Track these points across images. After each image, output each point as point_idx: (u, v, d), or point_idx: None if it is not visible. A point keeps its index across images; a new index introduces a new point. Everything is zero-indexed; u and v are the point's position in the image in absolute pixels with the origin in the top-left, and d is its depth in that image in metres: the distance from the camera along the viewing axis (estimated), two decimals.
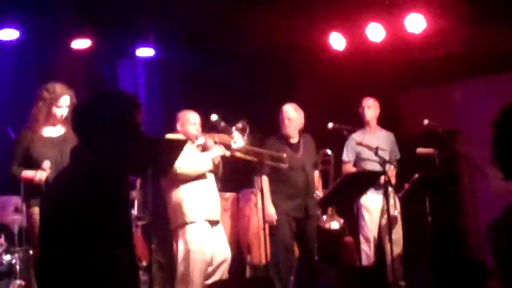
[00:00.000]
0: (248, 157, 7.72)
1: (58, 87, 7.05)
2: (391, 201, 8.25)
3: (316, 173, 8.61)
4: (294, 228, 8.22)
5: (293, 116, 8.38)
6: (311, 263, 8.34)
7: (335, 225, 8.54)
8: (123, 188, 3.49)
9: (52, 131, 7.05)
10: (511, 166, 2.45)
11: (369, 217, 8.80)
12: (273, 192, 8.08)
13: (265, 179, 7.99)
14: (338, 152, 9.04)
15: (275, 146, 8.25)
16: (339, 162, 8.97)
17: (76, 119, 3.54)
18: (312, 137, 8.67)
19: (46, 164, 6.76)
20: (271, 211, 8.01)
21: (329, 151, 8.80)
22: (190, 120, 7.84)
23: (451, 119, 9.76)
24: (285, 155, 8.00)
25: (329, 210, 8.55)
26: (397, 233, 8.50)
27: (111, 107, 3.46)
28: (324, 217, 8.56)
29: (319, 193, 8.51)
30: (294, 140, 8.41)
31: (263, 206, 7.56)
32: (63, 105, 6.98)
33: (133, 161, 3.55)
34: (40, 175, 6.75)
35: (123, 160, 3.47)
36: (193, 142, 7.74)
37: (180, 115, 7.92)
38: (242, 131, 7.45)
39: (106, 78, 11.12)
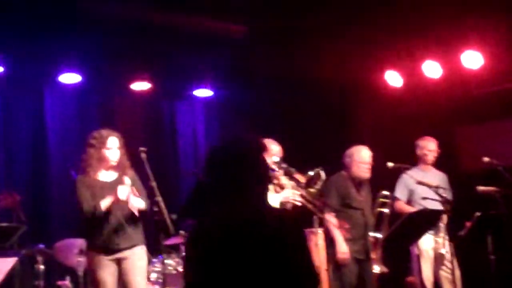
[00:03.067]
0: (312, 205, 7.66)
1: (104, 131, 7.11)
2: (440, 240, 8.25)
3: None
4: (357, 270, 8.14)
5: (368, 160, 8.27)
6: None
7: (377, 269, 8.44)
8: None
9: (106, 176, 7.06)
10: None
11: (425, 257, 8.72)
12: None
13: (333, 217, 7.88)
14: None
15: (343, 184, 8.19)
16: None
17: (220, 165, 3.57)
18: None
19: (127, 180, 6.83)
20: (344, 248, 7.93)
21: (387, 193, 8.72)
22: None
23: (510, 156, 9.65)
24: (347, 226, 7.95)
25: (377, 253, 8.47)
26: (455, 272, 8.43)
27: (250, 153, 3.57)
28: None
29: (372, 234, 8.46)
30: (357, 181, 8.31)
31: (328, 245, 7.51)
32: (112, 146, 7.01)
33: None
34: (122, 189, 6.77)
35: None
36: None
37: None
38: (315, 179, 7.38)
39: (165, 119, 11.30)
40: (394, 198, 8.89)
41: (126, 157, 7.14)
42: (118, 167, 7.09)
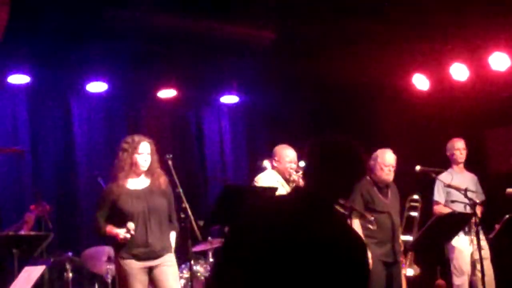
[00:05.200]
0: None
1: (136, 136, 7.14)
2: (482, 243, 8.18)
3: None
4: (385, 273, 8.10)
5: (393, 164, 8.21)
6: None
7: (410, 272, 8.41)
8: None
9: (137, 183, 7.04)
10: None
11: (461, 259, 8.71)
12: (365, 236, 7.92)
13: (357, 223, 7.86)
14: (424, 195, 8.96)
15: (367, 189, 8.17)
16: (426, 205, 8.86)
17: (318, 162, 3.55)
18: (395, 183, 8.55)
19: (130, 226, 6.74)
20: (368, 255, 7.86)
21: (416, 196, 8.68)
22: (287, 157, 7.88)
23: None
24: (372, 218, 7.87)
25: (409, 255, 8.44)
26: (488, 274, 8.37)
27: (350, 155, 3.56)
28: (402, 263, 8.44)
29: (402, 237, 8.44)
30: (382, 184, 8.32)
31: None
32: (143, 151, 7.00)
33: None
34: (124, 236, 6.75)
35: None
36: (287, 178, 7.77)
37: (276, 150, 7.97)
38: None
39: (191, 126, 11.32)
40: (433, 202, 8.90)
41: (158, 164, 7.14)
42: (150, 174, 7.09)
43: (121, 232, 6.76)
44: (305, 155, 3.60)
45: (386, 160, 8.17)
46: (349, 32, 9.39)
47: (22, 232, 7.97)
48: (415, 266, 8.34)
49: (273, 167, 7.91)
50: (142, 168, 7.05)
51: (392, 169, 8.17)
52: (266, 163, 7.95)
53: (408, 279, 8.65)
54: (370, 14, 9.00)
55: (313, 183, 3.49)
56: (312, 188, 3.48)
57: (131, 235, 6.74)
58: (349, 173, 3.49)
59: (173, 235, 7.05)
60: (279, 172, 7.86)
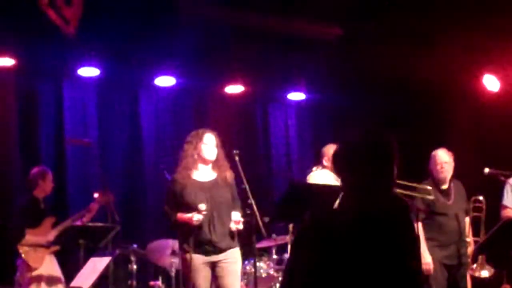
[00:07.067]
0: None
1: (200, 129, 7.21)
2: None
3: (467, 220, 8.38)
4: (446, 276, 8.01)
5: (446, 160, 8.18)
6: None
7: (485, 273, 8.27)
8: None
9: (203, 175, 7.07)
10: None
11: None
12: (427, 239, 7.87)
13: (420, 226, 7.79)
14: (493, 198, 8.81)
15: None
16: (492, 208, 8.71)
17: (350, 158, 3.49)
18: (462, 183, 8.44)
19: (202, 206, 6.75)
20: (428, 259, 7.82)
21: (481, 198, 8.55)
22: None
23: None
24: (429, 187, 7.80)
25: (480, 257, 8.31)
26: None
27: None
28: (474, 265, 8.31)
29: (469, 239, 8.32)
30: (445, 186, 8.20)
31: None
32: (208, 142, 7.04)
33: None
34: (197, 217, 6.75)
35: None
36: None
37: (325, 151, 7.87)
38: None
39: (258, 122, 11.33)
40: (501, 206, 8.75)
41: (224, 157, 7.16)
42: (216, 167, 7.11)
43: (193, 215, 6.75)
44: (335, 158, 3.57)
45: (437, 157, 8.11)
46: (418, 30, 9.30)
47: (86, 221, 8.12)
48: (488, 267, 8.20)
49: (323, 166, 7.81)
50: (206, 158, 7.07)
51: (446, 166, 8.07)
52: None
53: (478, 282, 8.55)
54: (441, 12, 8.91)
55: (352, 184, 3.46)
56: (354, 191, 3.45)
57: (203, 215, 6.75)
58: (375, 166, 3.41)
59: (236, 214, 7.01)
60: (332, 171, 7.77)
